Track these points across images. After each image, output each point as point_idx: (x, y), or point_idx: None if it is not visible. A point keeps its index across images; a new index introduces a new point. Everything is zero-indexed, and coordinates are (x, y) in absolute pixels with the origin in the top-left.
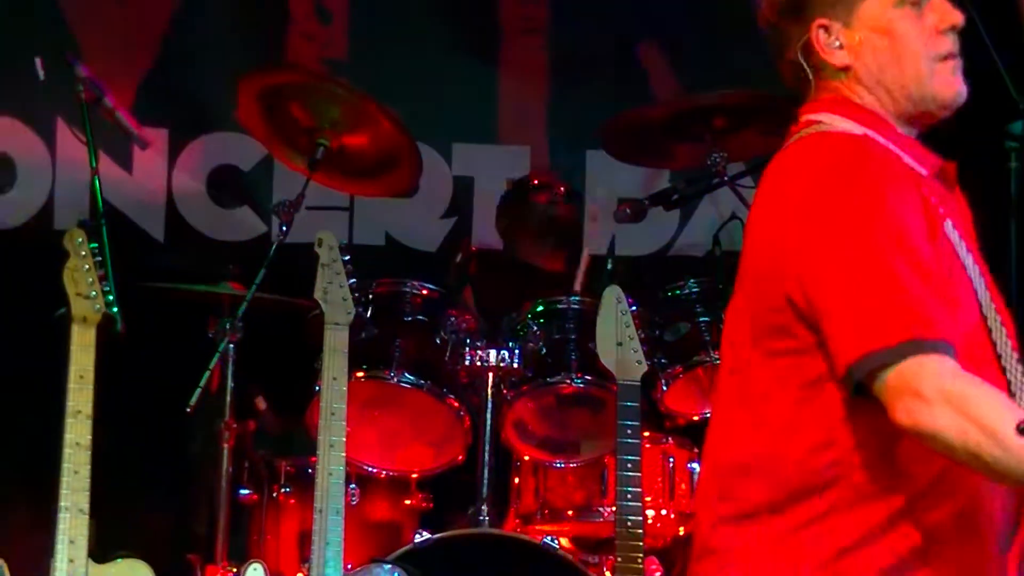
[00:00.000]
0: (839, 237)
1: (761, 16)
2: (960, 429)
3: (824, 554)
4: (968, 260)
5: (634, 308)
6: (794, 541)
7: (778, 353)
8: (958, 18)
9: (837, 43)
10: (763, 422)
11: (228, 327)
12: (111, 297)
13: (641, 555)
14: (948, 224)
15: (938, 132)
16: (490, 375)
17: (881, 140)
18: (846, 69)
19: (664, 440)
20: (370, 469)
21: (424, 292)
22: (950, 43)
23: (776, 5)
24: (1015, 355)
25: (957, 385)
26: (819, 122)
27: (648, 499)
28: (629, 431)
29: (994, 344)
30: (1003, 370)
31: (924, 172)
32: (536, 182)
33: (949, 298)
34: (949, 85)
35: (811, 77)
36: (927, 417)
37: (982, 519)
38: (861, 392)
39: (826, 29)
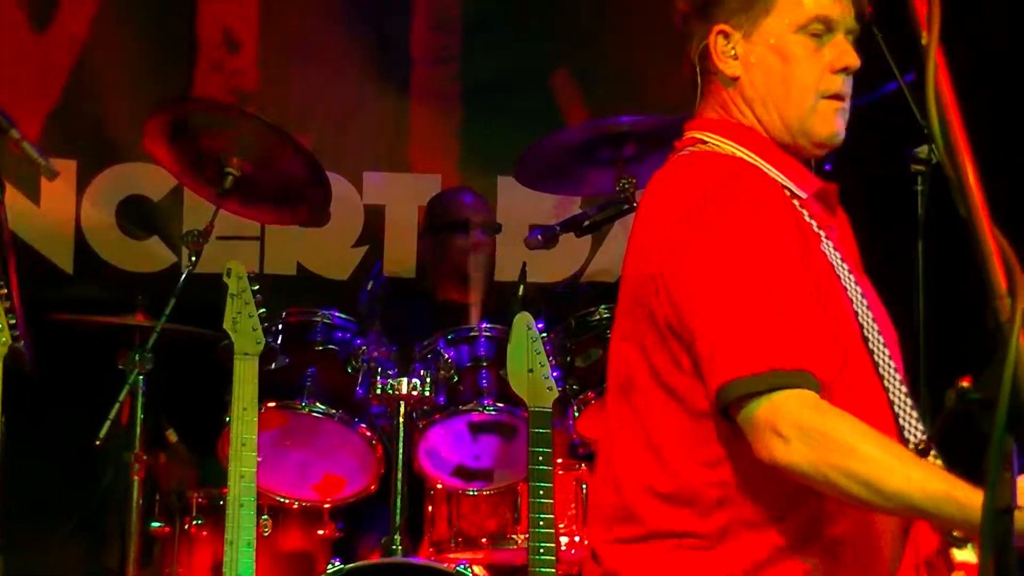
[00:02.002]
0: (708, 263)
1: (676, 6)
2: (813, 464)
3: (726, 573)
4: (849, 280)
5: (545, 335)
6: (692, 560)
7: (663, 374)
8: (854, 61)
9: (733, 52)
10: (657, 442)
11: (138, 359)
12: (16, 331)
13: None
14: (827, 244)
15: (848, 156)
16: (402, 403)
17: (760, 162)
18: (735, 80)
19: (576, 467)
20: (282, 500)
21: (335, 321)
22: (840, 84)
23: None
24: (898, 372)
25: (813, 420)
26: (702, 141)
27: (561, 526)
28: (541, 458)
29: (875, 361)
30: (885, 388)
31: (804, 194)
32: (453, 220)
33: (821, 325)
34: (827, 124)
35: (699, 79)
36: (783, 452)
37: (877, 533)
38: (728, 417)
39: (726, 36)
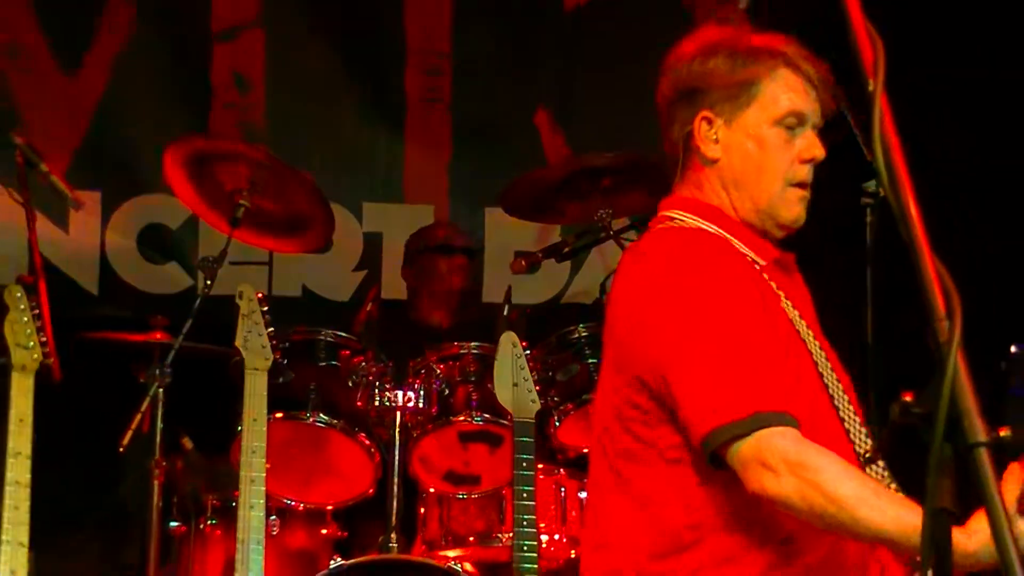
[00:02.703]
0: (679, 323)
1: (660, 92)
2: (802, 494)
3: None
4: (808, 333)
5: (528, 352)
6: None
7: (637, 424)
8: (820, 153)
9: (715, 136)
10: (633, 486)
11: (157, 373)
12: (47, 348)
13: None
14: (786, 303)
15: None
16: (397, 414)
17: (724, 234)
18: (715, 161)
19: (556, 471)
20: (288, 502)
21: (337, 339)
22: (806, 172)
23: (676, 86)
24: (857, 415)
25: (799, 454)
26: (672, 218)
27: (542, 525)
28: (525, 464)
29: (836, 406)
30: (846, 431)
31: (763, 262)
32: (436, 243)
33: (786, 370)
34: (791, 210)
35: (681, 158)
36: (773, 484)
37: (843, 561)
38: (716, 462)
39: (709, 122)
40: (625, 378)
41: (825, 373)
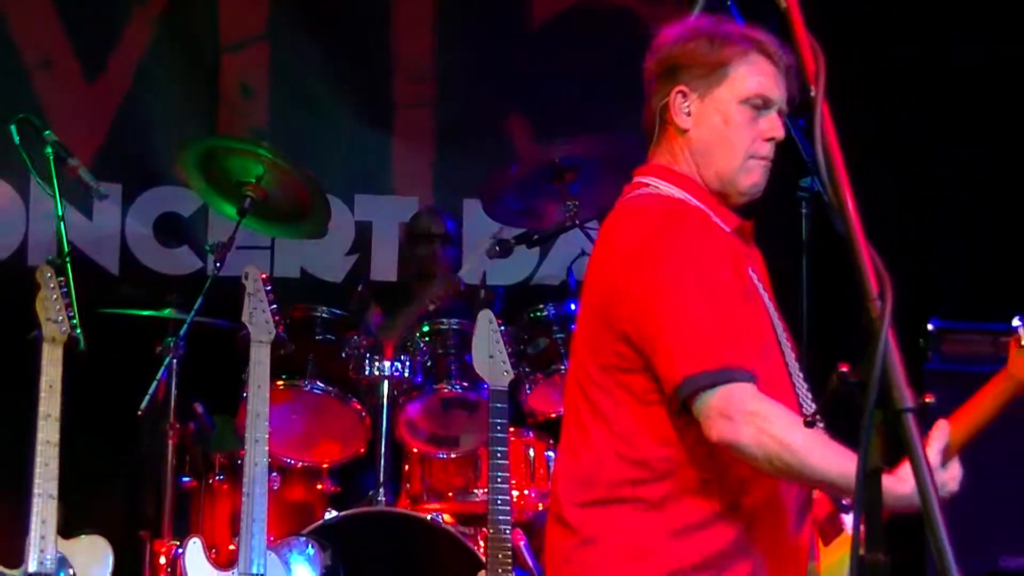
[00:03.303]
0: (661, 282)
1: (647, 69)
2: (757, 441)
3: (668, 531)
4: (765, 297)
5: (503, 327)
6: (641, 521)
7: (618, 372)
8: (781, 134)
9: (688, 109)
10: (613, 424)
11: (172, 346)
12: (75, 321)
13: (509, 527)
14: (749, 270)
15: None
16: (386, 383)
17: (695, 202)
18: (685, 131)
19: (527, 434)
20: (288, 460)
21: (331, 316)
22: (767, 150)
23: (661, 63)
24: (801, 374)
25: (757, 407)
26: (648, 184)
27: (514, 482)
28: (499, 427)
29: (787, 365)
30: (793, 386)
31: (727, 229)
32: (421, 231)
33: (753, 331)
34: (751, 177)
35: (657, 128)
36: (730, 432)
37: (784, 502)
38: (684, 409)
39: (684, 95)
40: (608, 328)
41: (781, 339)
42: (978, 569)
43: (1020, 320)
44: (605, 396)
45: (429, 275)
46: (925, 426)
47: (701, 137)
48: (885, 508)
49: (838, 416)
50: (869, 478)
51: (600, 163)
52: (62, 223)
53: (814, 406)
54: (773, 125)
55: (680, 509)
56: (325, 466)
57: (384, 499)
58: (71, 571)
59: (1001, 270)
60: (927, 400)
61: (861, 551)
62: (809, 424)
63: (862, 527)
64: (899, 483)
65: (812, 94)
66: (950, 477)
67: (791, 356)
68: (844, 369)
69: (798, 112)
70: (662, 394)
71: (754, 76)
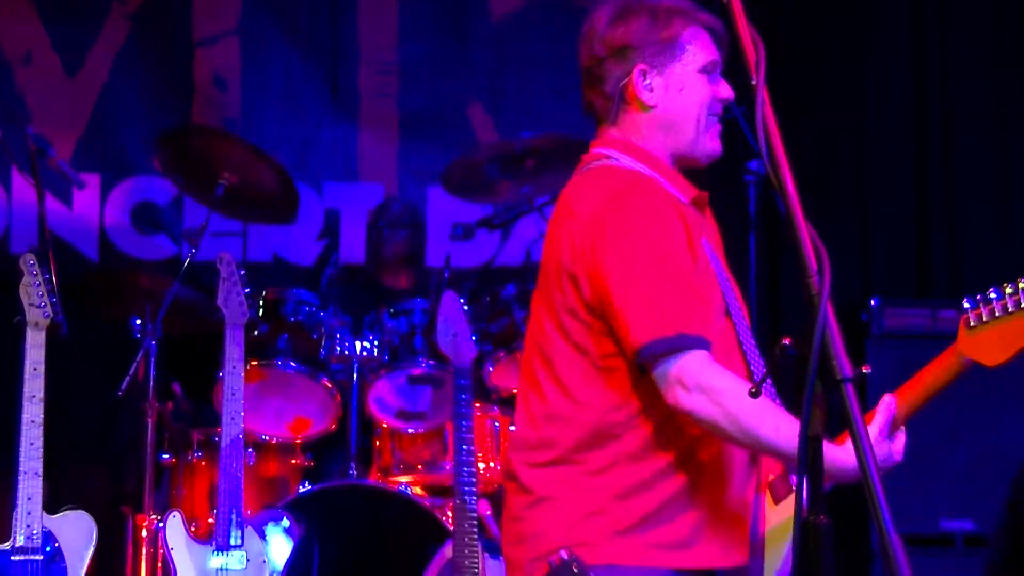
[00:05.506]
0: (620, 250)
1: (590, 53)
2: (711, 413)
3: (616, 492)
4: (718, 267)
5: (466, 307)
6: (592, 482)
7: (577, 334)
8: (731, 95)
9: (649, 86)
10: (568, 388)
11: (150, 328)
12: (57, 306)
13: (475, 498)
14: (703, 239)
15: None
16: (355, 362)
17: (651, 173)
18: (652, 107)
19: (491, 409)
20: (263, 437)
21: (303, 298)
22: (720, 108)
23: (609, 46)
24: (751, 337)
25: (710, 376)
26: (607, 156)
27: (479, 455)
28: (463, 403)
29: (738, 334)
30: (744, 354)
31: (684, 199)
32: (387, 219)
33: (706, 299)
34: (713, 142)
35: (615, 108)
36: (686, 401)
37: (732, 463)
38: (643, 371)
39: (644, 73)
40: (567, 291)
41: (731, 303)
42: (920, 531)
43: (969, 302)
44: (565, 360)
45: (396, 260)
46: (868, 397)
47: (668, 110)
48: (834, 478)
49: (788, 387)
50: (810, 444)
51: (559, 153)
52: (43, 212)
53: (762, 373)
54: (724, 86)
55: (628, 471)
56: (298, 442)
57: (355, 472)
58: (56, 545)
59: (939, 248)
60: (864, 371)
61: (804, 515)
62: (754, 395)
63: (804, 491)
64: (847, 454)
65: (753, 83)
66: (895, 448)
67: (743, 324)
68: (786, 342)
69: (739, 99)
70: (617, 358)
71: (704, 44)
